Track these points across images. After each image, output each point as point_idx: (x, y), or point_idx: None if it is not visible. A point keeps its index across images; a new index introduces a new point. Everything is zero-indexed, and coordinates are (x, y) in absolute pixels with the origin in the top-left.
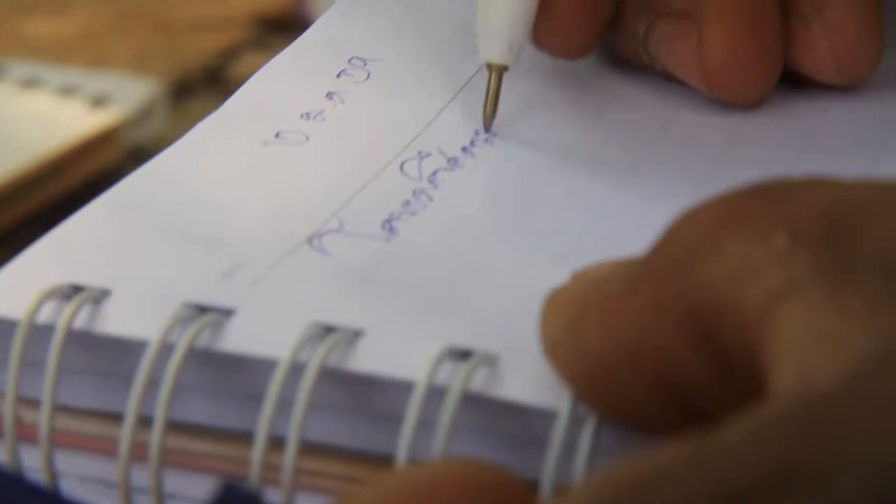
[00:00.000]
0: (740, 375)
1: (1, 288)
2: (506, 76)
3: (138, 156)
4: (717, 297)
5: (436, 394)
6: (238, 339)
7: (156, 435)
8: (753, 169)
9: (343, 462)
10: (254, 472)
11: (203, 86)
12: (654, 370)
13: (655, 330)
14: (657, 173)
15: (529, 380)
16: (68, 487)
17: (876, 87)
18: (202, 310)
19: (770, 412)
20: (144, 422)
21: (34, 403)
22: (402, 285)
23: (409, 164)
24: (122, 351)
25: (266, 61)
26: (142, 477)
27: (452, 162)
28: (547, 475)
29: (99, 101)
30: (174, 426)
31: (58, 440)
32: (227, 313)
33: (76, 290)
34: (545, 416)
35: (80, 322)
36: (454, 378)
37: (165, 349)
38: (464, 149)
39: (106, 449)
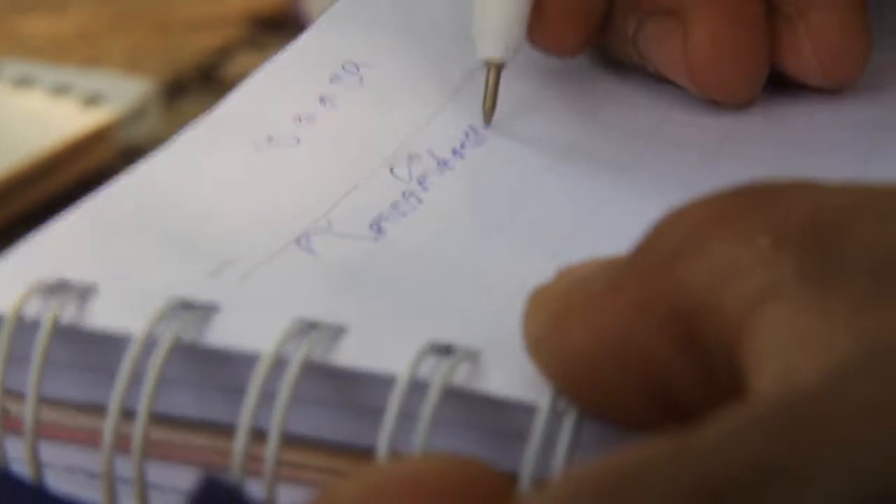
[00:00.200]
0: (723, 376)
1: None
2: (502, 79)
3: (131, 155)
4: (700, 298)
5: (418, 388)
6: (223, 333)
7: (139, 427)
8: (745, 169)
9: (325, 454)
10: (235, 464)
11: (197, 85)
12: (638, 369)
13: (639, 329)
14: (648, 175)
15: (511, 375)
16: (53, 478)
17: (866, 89)
18: (188, 305)
19: (751, 411)
20: (129, 414)
21: (20, 396)
22: (388, 285)
23: (398, 167)
24: (108, 345)
25: (260, 61)
26: (125, 468)
27: (442, 164)
28: (527, 469)
29: (92, 101)
30: (158, 418)
31: (43, 432)
32: (212, 308)
33: (63, 285)
34: (526, 411)
35: (66, 317)
36: (436, 372)
37: (150, 343)
38: (454, 151)
39: (90, 441)
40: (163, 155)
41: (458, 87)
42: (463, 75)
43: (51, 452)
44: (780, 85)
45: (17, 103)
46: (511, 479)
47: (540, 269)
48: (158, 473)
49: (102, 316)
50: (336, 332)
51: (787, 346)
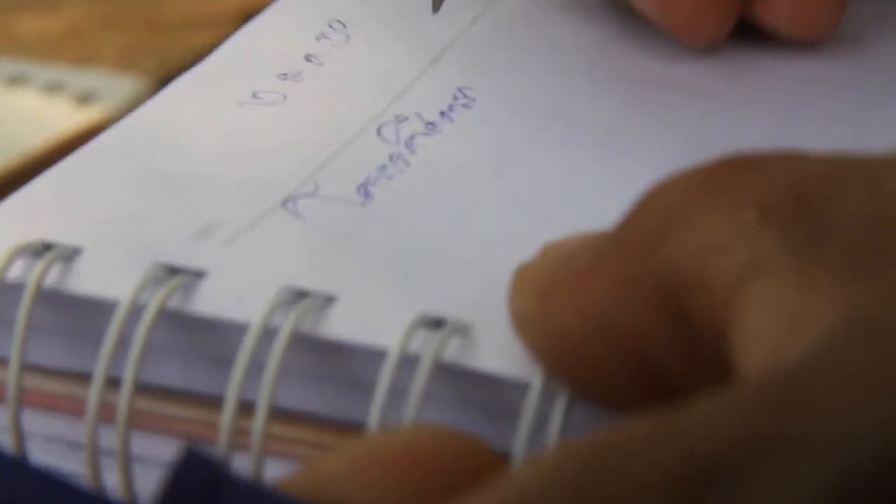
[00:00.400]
0: (708, 351)
1: None
2: (486, 36)
3: None
4: (685, 273)
5: (408, 362)
6: (209, 301)
7: (124, 396)
8: (738, 131)
9: (313, 428)
10: (222, 438)
11: None
12: (624, 345)
13: (625, 305)
14: (641, 136)
15: (502, 350)
16: (34, 448)
17: (846, 45)
18: (174, 271)
19: (738, 389)
20: (113, 383)
21: (2, 362)
22: (376, 251)
23: (386, 128)
24: (93, 310)
25: None
26: (109, 438)
27: (430, 127)
28: (519, 447)
29: (85, 99)
30: (143, 388)
31: (25, 399)
32: (198, 275)
33: (47, 247)
34: (518, 388)
35: (50, 280)
36: (426, 347)
37: (136, 310)
38: (442, 113)
39: (74, 409)
40: (144, 110)
41: (447, 46)
42: (451, 34)
43: (32, 421)
44: (769, 42)
45: (9, 102)
46: (503, 456)
47: (528, 237)
48: (141, 444)
49: (87, 280)
50: (325, 302)
51: (774, 323)
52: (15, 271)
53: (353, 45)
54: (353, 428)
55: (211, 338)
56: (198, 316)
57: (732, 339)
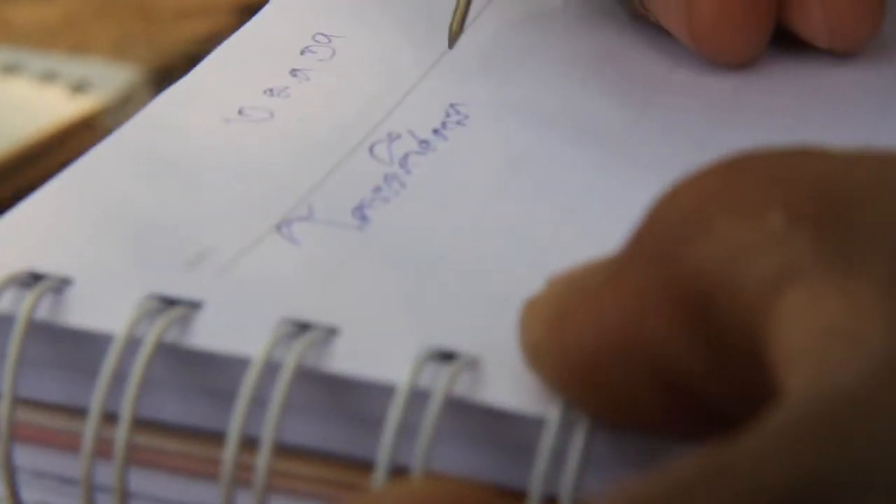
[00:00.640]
0: (735, 359)
1: None
2: (475, 49)
3: None
4: (711, 280)
5: (417, 397)
6: (207, 334)
7: (121, 432)
8: (750, 134)
9: (318, 464)
10: (225, 473)
11: (184, 72)
12: (647, 361)
13: (646, 318)
14: (646, 146)
15: (514, 383)
16: (25, 483)
17: (878, 53)
18: (169, 301)
19: (790, 417)
20: (110, 417)
21: None
22: (376, 278)
23: (378, 147)
24: (86, 342)
25: None
26: (104, 474)
27: (424, 145)
28: (535, 485)
29: (79, 88)
30: (140, 422)
31: (18, 434)
32: (194, 306)
33: (36, 278)
34: (532, 422)
35: (41, 312)
36: (436, 382)
37: (132, 343)
38: (435, 131)
39: (65, 444)
40: (128, 130)
41: (436, 59)
42: (440, 46)
43: (22, 456)
44: (788, 45)
45: (3, 90)
46: (519, 495)
47: (532, 259)
48: (138, 481)
49: (80, 312)
50: (327, 335)
51: (817, 337)
52: (4, 303)
53: (338, 60)
54: (360, 463)
55: (210, 371)
56: (196, 350)
57: (770, 351)
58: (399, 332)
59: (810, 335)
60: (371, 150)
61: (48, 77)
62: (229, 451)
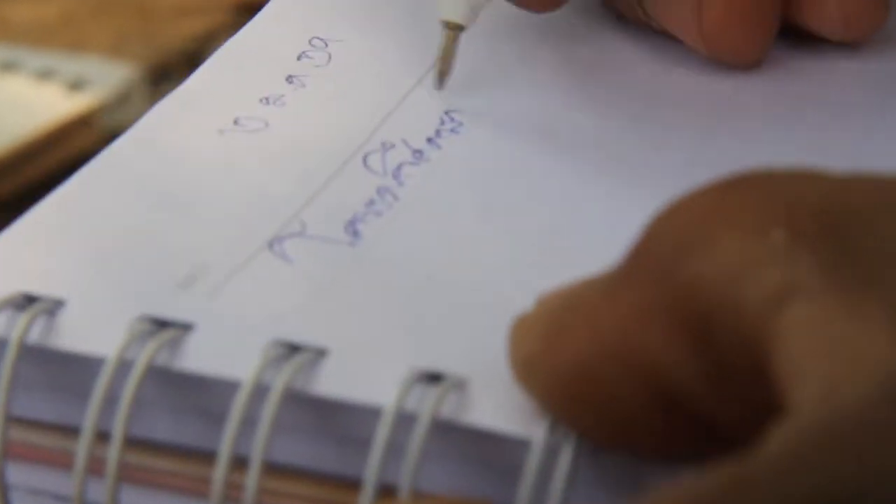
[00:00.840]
0: (736, 376)
1: None
2: (477, 49)
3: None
4: (711, 295)
5: (405, 419)
6: (198, 357)
7: (113, 452)
8: (744, 147)
9: (307, 483)
10: (215, 492)
11: (181, 70)
12: (645, 376)
13: (645, 332)
14: (642, 157)
15: (501, 404)
16: (17, 501)
17: (879, 43)
18: (160, 323)
19: (804, 429)
20: (102, 436)
21: None
22: (366, 297)
23: (372, 157)
24: (79, 365)
25: None
26: (97, 492)
27: (418, 155)
28: None
29: (76, 85)
30: (132, 442)
31: (11, 452)
32: (186, 328)
33: (29, 300)
34: (519, 443)
35: (34, 335)
36: (423, 404)
37: (123, 366)
38: (429, 140)
39: (59, 462)
40: (122, 143)
41: (432, 65)
42: (437, 51)
43: (18, 474)
44: (789, 39)
45: (1, 88)
46: None
47: (524, 276)
48: (131, 499)
49: (72, 335)
50: (316, 357)
51: (824, 354)
52: None
53: (335, 65)
54: (349, 483)
55: (201, 392)
56: (188, 373)
57: (775, 366)
58: (387, 354)
59: (816, 349)
60: (365, 160)
61: (45, 75)
62: (219, 470)
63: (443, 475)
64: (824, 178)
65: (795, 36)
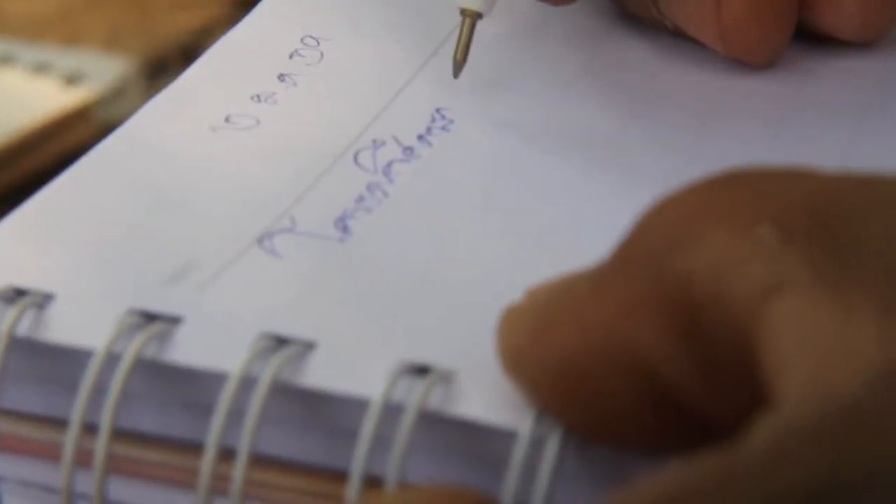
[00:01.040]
0: (723, 369)
1: None
2: (472, 47)
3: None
4: (700, 289)
5: (392, 411)
6: (187, 349)
7: (101, 443)
8: (734, 148)
9: (294, 474)
10: (203, 485)
11: (177, 64)
12: (633, 369)
13: (634, 326)
14: (633, 153)
15: (488, 396)
16: (9, 492)
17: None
18: (149, 317)
19: (790, 421)
20: (90, 428)
21: None
22: (355, 292)
23: (363, 155)
24: (68, 358)
25: None
26: (86, 483)
27: (408, 152)
28: (507, 495)
29: (72, 79)
30: (119, 433)
31: (1, 444)
32: (174, 321)
33: (19, 293)
34: (505, 435)
35: (23, 328)
36: (410, 396)
37: (112, 358)
38: (420, 137)
39: (49, 454)
40: (114, 139)
41: (424, 63)
42: (429, 50)
43: (7, 465)
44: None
45: None
46: None
47: (514, 273)
48: (118, 490)
49: (61, 328)
50: (304, 349)
51: (810, 345)
52: None
53: (326, 63)
54: (336, 474)
55: (189, 385)
56: (176, 365)
57: (763, 359)
58: (375, 347)
59: (803, 344)
60: (356, 157)
61: (41, 68)
62: (206, 462)
63: (429, 467)
64: (815, 177)
65: (803, 36)
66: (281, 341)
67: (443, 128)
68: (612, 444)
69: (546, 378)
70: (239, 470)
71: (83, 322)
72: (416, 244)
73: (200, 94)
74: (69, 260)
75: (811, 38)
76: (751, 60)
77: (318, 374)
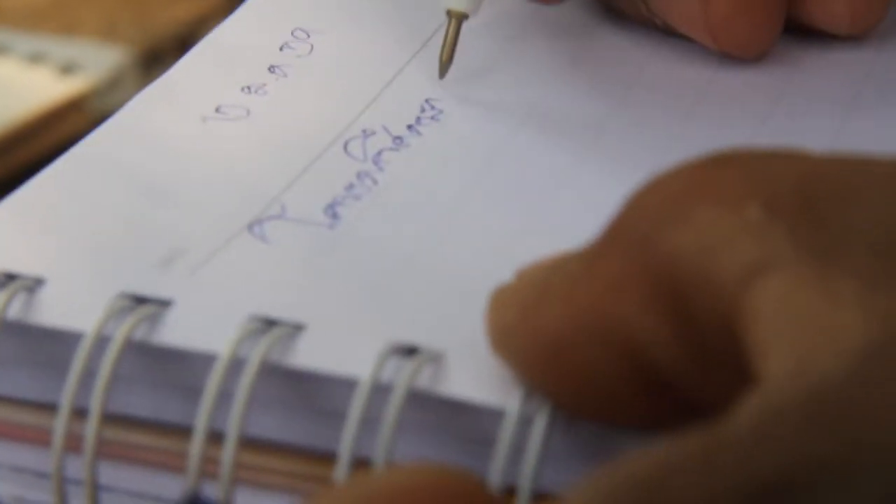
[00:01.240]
0: (715, 347)
1: None
2: (460, 40)
3: None
4: (688, 268)
5: (380, 391)
6: (176, 331)
7: (91, 427)
8: (722, 129)
9: (283, 457)
10: (192, 467)
11: (173, 54)
12: (622, 347)
13: (623, 304)
14: (620, 142)
15: (476, 377)
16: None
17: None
18: (139, 300)
19: (774, 404)
20: (80, 412)
21: None
22: (344, 276)
23: (353, 144)
24: (58, 341)
25: None
26: (76, 468)
27: (398, 141)
28: (495, 474)
29: (68, 69)
30: (110, 417)
31: None
32: (164, 304)
33: (10, 278)
34: (493, 414)
35: (13, 312)
36: (399, 376)
37: (102, 340)
38: (409, 127)
39: (40, 439)
40: (106, 129)
41: (413, 55)
42: (418, 42)
43: None
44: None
45: None
46: (507, 495)
47: (501, 257)
48: (109, 474)
49: (51, 311)
50: (294, 331)
51: (795, 323)
52: None
53: (316, 55)
54: (325, 456)
55: (179, 368)
56: (166, 347)
57: (748, 337)
58: (364, 328)
59: (789, 322)
60: (345, 147)
61: (37, 58)
62: (195, 445)
63: (418, 448)
64: (803, 158)
65: (791, 30)
66: (270, 323)
67: (432, 118)
68: (600, 422)
69: (535, 356)
70: (228, 452)
71: (73, 305)
72: (405, 229)
73: (191, 84)
74: (60, 246)
75: (800, 31)
76: (739, 55)
77: (307, 355)
